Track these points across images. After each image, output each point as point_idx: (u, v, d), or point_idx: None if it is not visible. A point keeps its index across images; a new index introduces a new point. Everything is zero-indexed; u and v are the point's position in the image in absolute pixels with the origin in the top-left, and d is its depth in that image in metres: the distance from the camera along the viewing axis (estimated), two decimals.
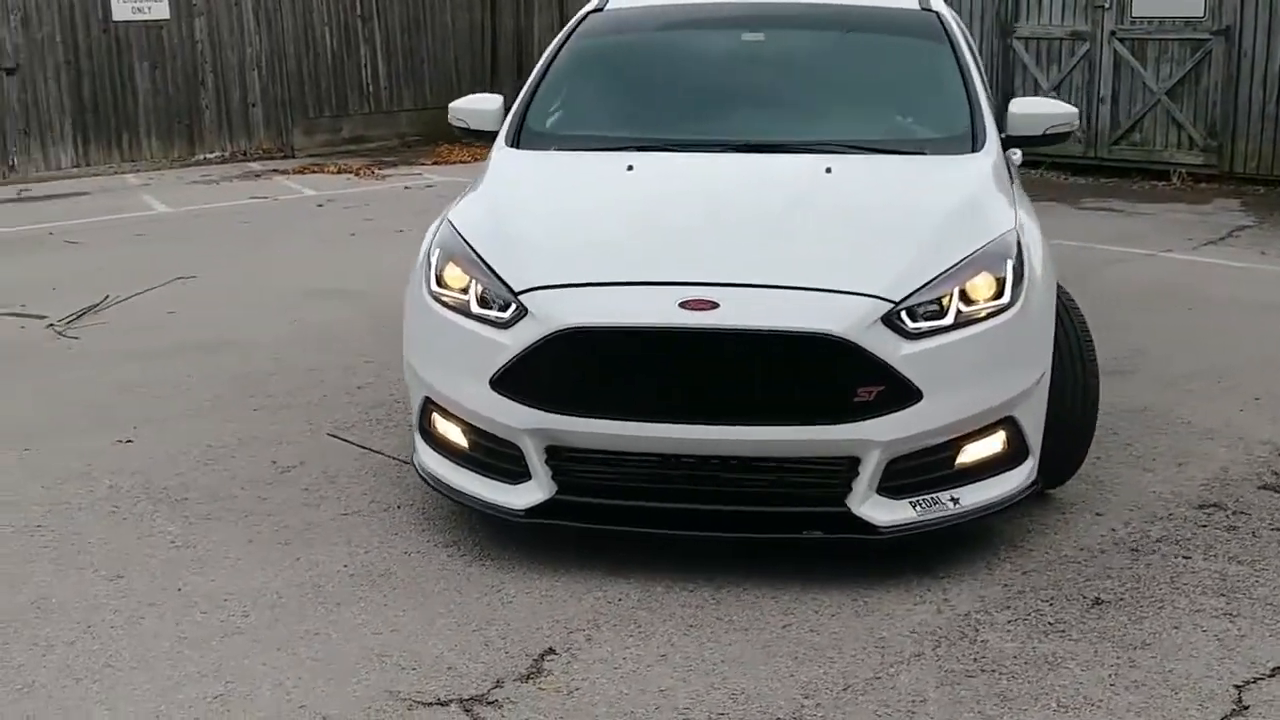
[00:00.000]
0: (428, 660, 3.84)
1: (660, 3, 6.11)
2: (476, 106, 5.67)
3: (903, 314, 4.15)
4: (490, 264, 4.43)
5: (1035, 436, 4.46)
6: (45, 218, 11.58)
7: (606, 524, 4.31)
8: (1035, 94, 12.80)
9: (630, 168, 4.95)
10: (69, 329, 7.62)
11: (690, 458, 4.21)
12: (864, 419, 4.10)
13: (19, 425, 5.93)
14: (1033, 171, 12.43)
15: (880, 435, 4.11)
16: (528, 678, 3.75)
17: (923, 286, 4.20)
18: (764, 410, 4.12)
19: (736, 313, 4.11)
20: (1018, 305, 4.33)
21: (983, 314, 4.27)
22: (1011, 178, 5.10)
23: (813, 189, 4.75)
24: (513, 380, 4.25)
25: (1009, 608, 4.12)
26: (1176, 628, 4.00)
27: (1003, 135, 5.32)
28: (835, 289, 4.15)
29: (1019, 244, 4.50)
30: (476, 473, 4.47)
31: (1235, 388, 6.21)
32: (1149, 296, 8.05)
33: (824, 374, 4.10)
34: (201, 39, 15.36)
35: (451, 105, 5.79)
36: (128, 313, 8.00)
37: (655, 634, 3.98)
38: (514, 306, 4.26)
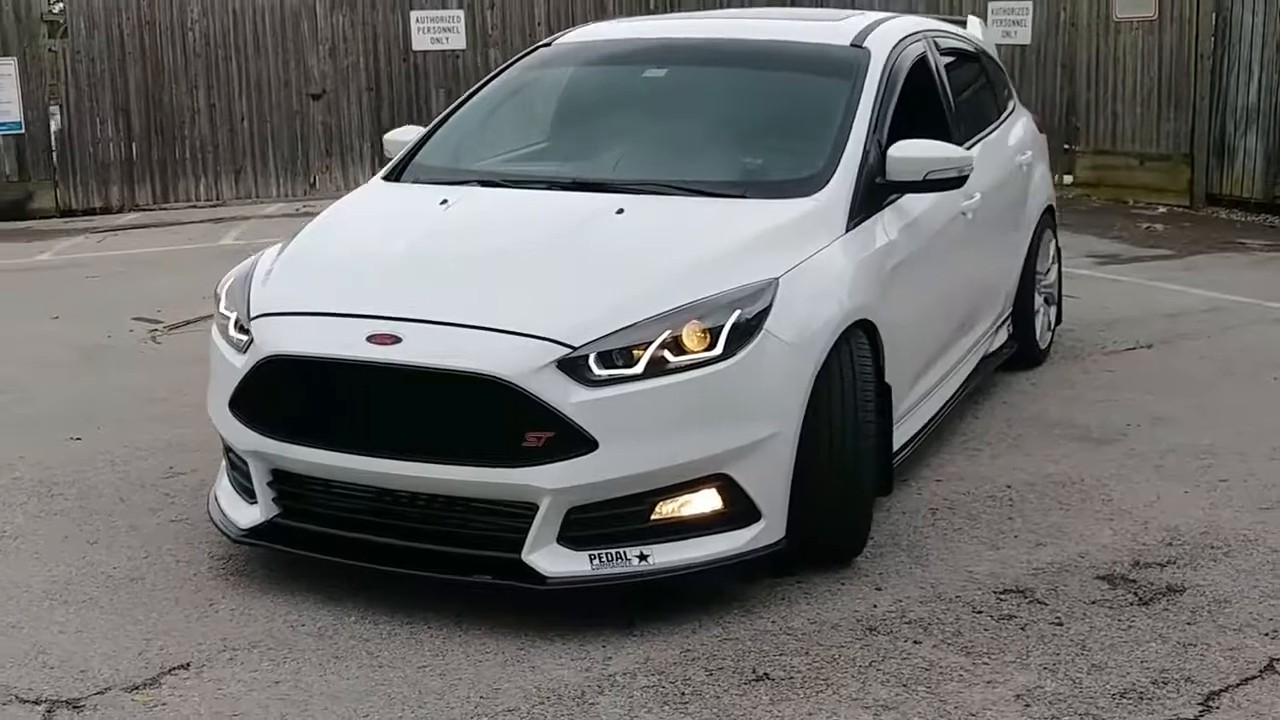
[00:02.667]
0: (69, 661, 4.02)
1: (606, 37, 6.10)
2: (398, 138, 5.84)
3: (589, 360, 4.03)
4: (250, 290, 4.60)
5: (769, 497, 4.22)
6: None
7: (318, 552, 4.38)
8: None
9: (444, 202, 4.99)
10: (165, 336, 8.26)
11: (388, 492, 4.24)
12: (534, 465, 4.02)
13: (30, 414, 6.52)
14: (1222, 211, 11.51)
15: (550, 483, 4.02)
16: (137, 687, 3.89)
17: (614, 333, 4.07)
18: (441, 449, 4.10)
19: (414, 349, 4.12)
20: (735, 359, 4.12)
21: (685, 365, 4.08)
22: (853, 223, 4.79)
23: (580, 229, 4.66)
24: (243, 402, 4.41)
25: (660, 674, 3.92)
26: (811, 715, 3.71)
27: (881, 181, 5.03)
28: (514, 330, 4.09)
29: (773, 297, 4.26)
30: (235, 489, 4.65)
31: (1211, 467, 5.59)
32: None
33: (492, 416, 4.05)
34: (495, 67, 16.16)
35: (385, 137, 5.98)
36: None
37: (290, 661, 4.03)
38: (247, 332, 4.43)
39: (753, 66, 5.58)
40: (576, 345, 4.02)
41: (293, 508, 4.41)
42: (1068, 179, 14.18)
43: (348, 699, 3.80)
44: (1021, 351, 6.91)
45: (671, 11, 16.44)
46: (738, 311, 4.16)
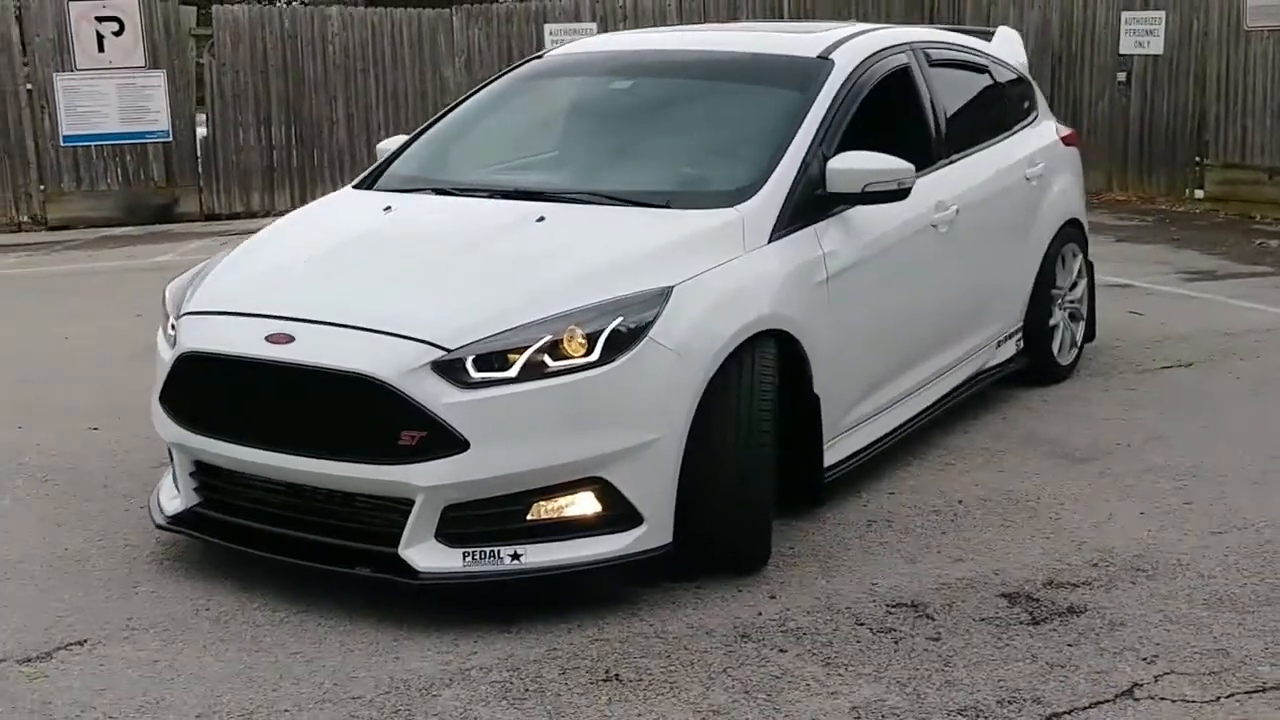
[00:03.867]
0: None
1: (591, 50, 6.22)
2: (386, 147, 6.05)
3: (466, 362, 4.16)
4: (192, 289, 4.86)
5: (651, 501, 4.29)
6: None
7: (229, 541, 4.59)
8: None
9: (387, 208, 5.17)
10: None
11: (285, 485, 4.43)
12: (409, 463, 4.16)
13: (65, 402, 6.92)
14: None
15: (423, 480, 4.16)
16: (29, 660, 4.15)
17: (491, 336, 4.19)
18: (328, 445, 4.28)
19: (303, 348, 4.30)
20: (613, 365, 4.20)
21: (560, 370, 4.18)
22: (781, 233, 4.82)
23: (494, 237, 4.78)
24: (168, 396, 4.66)
25: (515, 670, 4.01)
26: (640, 716, 3.78)
27: (821, 193, 5.05)
28: (394, 332, 4.23)
29: (662, 306, 4.33)
30: (171, 479, 4.90)
31: (1184, 489, 5.44)
32: None
33: (371, 414, 4.20)
34: None
35: (377, 146, 6.20)
36: None
37: (178, 643, 4.23)
38: (175, 330, 4.68)
39: (717, 78, 5.63)
40: (451, 348, 4.15)
41: (211, 498, 4.63)
42: (1198, 194, 13.77)
43: (212, 680, 3.98)
44: (1036, 367, 6.78)
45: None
46: (619, 319, 4.23)
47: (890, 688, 3.87)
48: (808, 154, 5.04)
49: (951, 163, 5.94)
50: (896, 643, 4.16)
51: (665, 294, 4.34)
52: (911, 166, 5.03)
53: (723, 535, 4.47)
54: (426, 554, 4.20)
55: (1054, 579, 4.60)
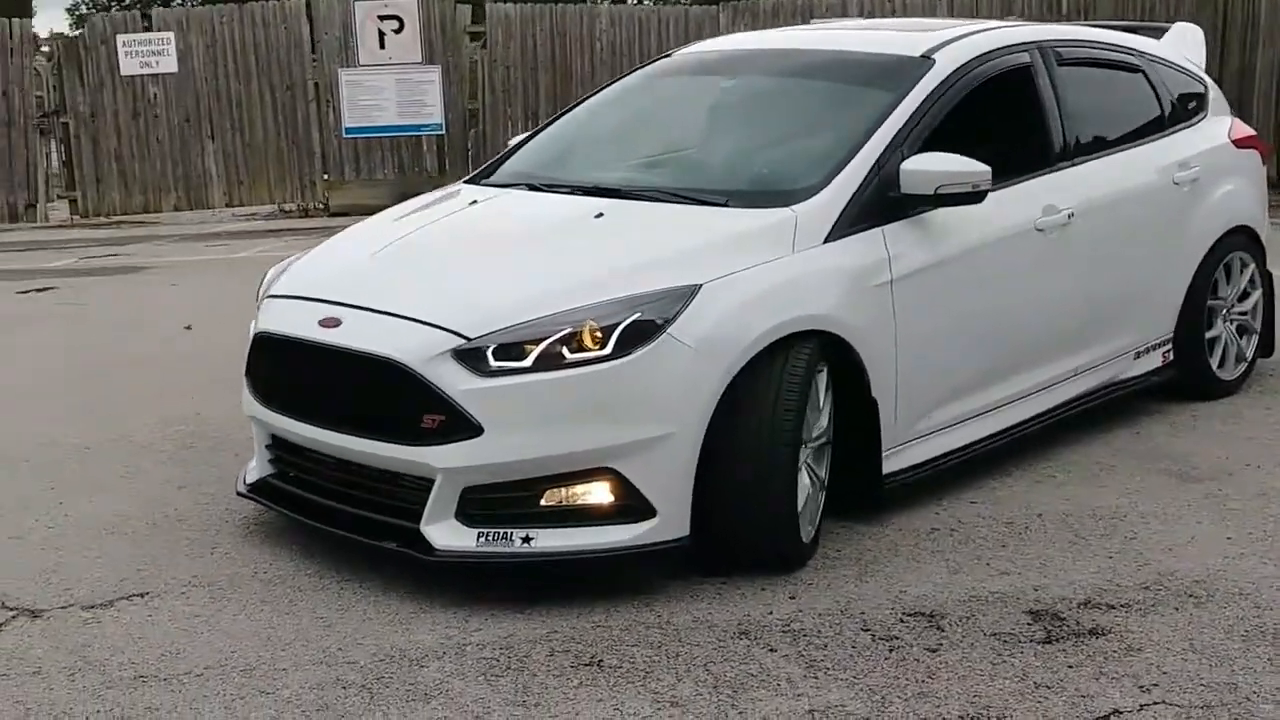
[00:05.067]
0: (66, 579, 4.73)
1: (713, 49, 6.30)
2: (515, 140, 6.29)
3: (487, 351, 4.35)
4: (280, 273, 5.22)
5: (664, 494, 4.37)
6: None
7: (294, 512, 4.90)
8: None
9: (474, 202, 5.40)
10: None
11: (339, 461, 4.72)
12: (430, 444, 4.38)
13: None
14: None
15: (441, 462, 4.36)
16: (93, 607, 4.57)
17: (511, 327, 4.35)
18: (365, 424, 4.54)
19: (346, 332, 4.58)
20: (626, 359, 4.29)
21: (576, 361, 4.32)
22: (840, 234, 4.81)
23: (550, 231, 4.95)
24: (250, 372, 5.03)
25: (507, 649, 4.14)
26: (600, 701, 3.88)
27: (895, 194, 5.02)
28: (424, 320, 4.45)
29: (686, 303, 4.40)
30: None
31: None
32: None
33: (396, 396, 4.44)
34: None
35: (509, 142, 6.43)
36: None
37: (224, 601, 4.55)
38: (259, 310, 5.05)
39: (818, 78, 5.62)
40: (472, 337, 4.33)
41: (282, 470, 4.96)
42: None
43: (236, 636, 4.29)
44: (1191, 382, 6.48)
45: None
46: (636, 314, 4.32)
47: (859, 694, 3.84)
48: (884, 155, 4.99)
49: (1074, 165, 5.74)
50: (891, 651, 4.11)
51: (692, 291, 4.40)
52: (987, 169, 4.91)
53: (743, 533, 4.50)
54: (445, 532, 4.39)
55: (1094, 599, 4.43)
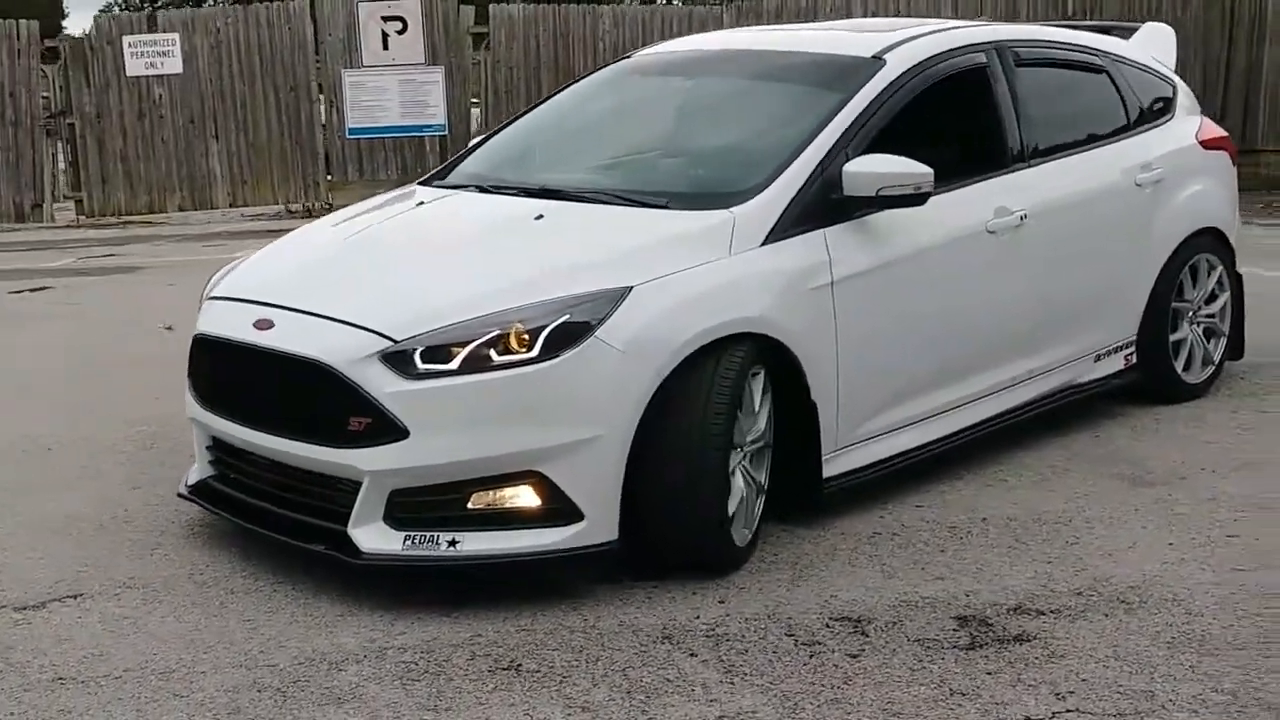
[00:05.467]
0: (7, 580, 4.76)
1: (672, 50, 6.29)
2: (476, 141, 6.29)
3: (414, 354, 4.34)
4: (223, 275, 5.23)
5: (592, 498, 4.35)
6: None
7: (230, 514, 4.91)
8: None
9: (420, 204, 5.41)
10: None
11: (274, 463, 4.72)
12: (357, 447, 4.39)
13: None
14: None
15: (367, 465, 4.36)
16: (27, 607, 4.59)
17: (438, 330, 4.35)
18: (296, 426, 4.55)
19: (278, 334, 4.58)
20: (553, 362, 4.28)
21: (502, 364, 4.31)
22: (777, 237, 4.79)
23: (487, 233, 4.96)
24: (191, 374, 5.05)
25: (427, 653, 4.13)
26: (512, 705, 3.88)
27: (838, 196, 5.00)
28: (352, 322, 4.45)
29: (615, 305, 4.39)
30: None
31: (1238, 522, 5.09)
32: None
33: (324, 399, 4.44)
34: None
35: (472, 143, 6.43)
36: None
37: (156, 603, 4.55)
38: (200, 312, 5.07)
39: (771, 79, 5.60)
40: (398, 339, 4.33)
41: (222, 472, 4.97)
42: None
43: (161, 638, 4.29)
44: (1156, 385, 6.43)
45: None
46: (564, 317, 4.31)
47: (772, 700, 3.82)
48: (827, 156, 4.97)
49: (1030, 166, 5.70)
50: (812, 656, 4.09)
51: (623, 294, 4.38)
52: (929, 171, 4.88)
53: (673, 536, 4.48)
54: (372, 535, 4.39)
55: (1025, 605, 4.40)
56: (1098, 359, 6.15)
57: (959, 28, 5.90)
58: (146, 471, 5.93)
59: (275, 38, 16.11)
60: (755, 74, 5.68)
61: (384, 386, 4.28)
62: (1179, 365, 6.48)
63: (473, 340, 4.29)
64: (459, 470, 4.30)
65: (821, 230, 4.89)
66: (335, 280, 4.77)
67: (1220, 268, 6.64)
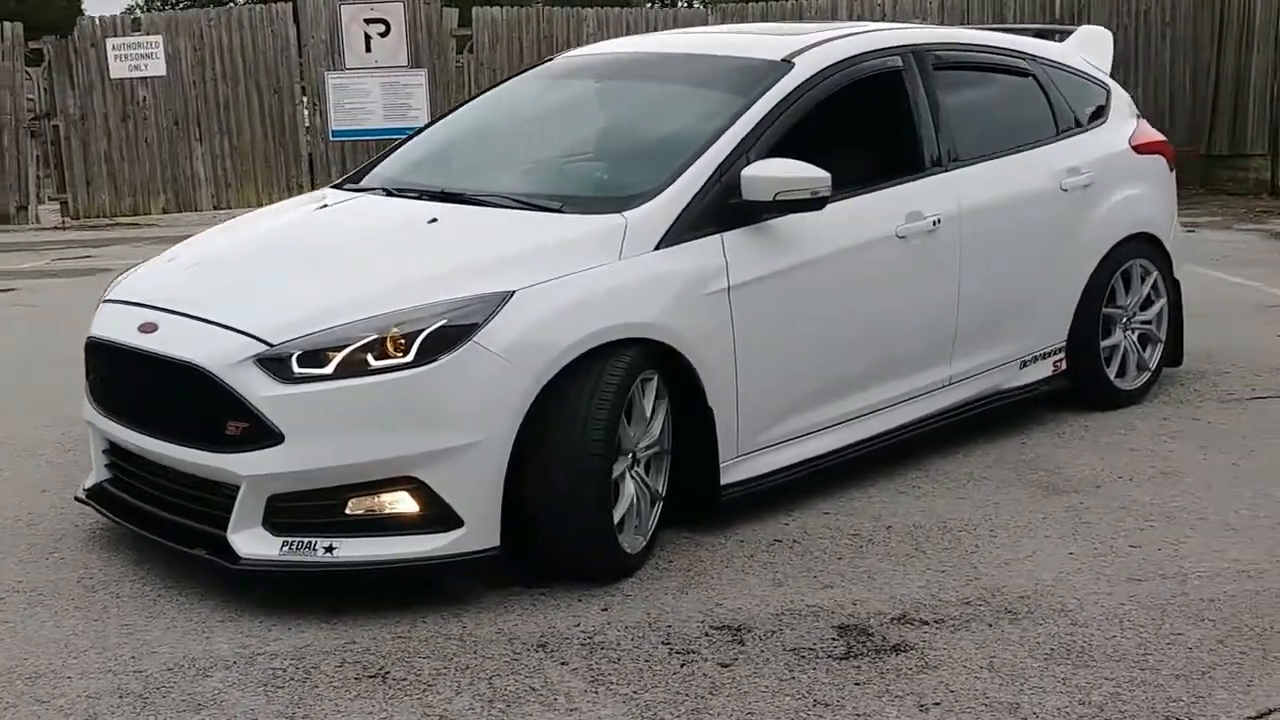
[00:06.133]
0: None
1: (589, 54, 6.26)
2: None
3: (291, 358, 4.31)
4: (121, 278, 5.21)
5: (471, 504, 4.31)
6: None
7: (121, 518, 4.88)
8: None
9: (323, 206, 5.38)
10: None
11: (160, 467, 4.70)
12: (234, 452, 4.36)
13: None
14: None
15: (244, 469, 4.33)
16: None
17: (314, 333, 4.32)
18: (177, 430, 4.52)
19: (161, 338, 4.55)
20: (430, 367, 4.24)
21: (378, 369, 4.28)
22: (672, 241, 4.75)
23: (378, 236, 4.93)
24: (87, 377, 5.03)
25: (296, 660, 4.09)
26: (370, 714, 3.84)
27: (736, 200, 4.94)
28: (230, 325, 4.42)
29: (495, 310, 4.35)
30: None
31: (1144, 531, 5.03)
32: None
33: (203, 402, 4.41)
34: None
35: None
36: None
37: (39, 608, 4.51)
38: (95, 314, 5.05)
39: (680, 82, 5.56)
40: (274, 343, 4.30)
41: (116, 475, 4.94)
42: None
43: (37, 643, 4.25)
44: (1087, 392, 6.37)
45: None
46: (441, 321, 4.27)
47: (633, 710, 3.78)
48: (726, 160, 4.92)
49: (947, 171, 5.65)
50: (684, 665, 4.04)
51: (504, 298, 4.35)
52: (826, 175, 4.82)
53: (558, 543, 4.44)
54: (250, 541, 4.35)
55: (910, 614, 4.35)
56: (1023, 365, 6.09)
57: (876, 30, 5.84)
58: (62, 473, 5.90)
59: (258, 40, 16.12)
60: (666, 77, 5.64)
61: (259, 390, 4.25)
62: (1112, 372, 6.41)
63: (349, 344, 4.26)
64: (335, 475, 4.26)
65: (720, 235, 4.85)
66: (224, 284, 4.74)
67: (1155, 273, 6.57)
